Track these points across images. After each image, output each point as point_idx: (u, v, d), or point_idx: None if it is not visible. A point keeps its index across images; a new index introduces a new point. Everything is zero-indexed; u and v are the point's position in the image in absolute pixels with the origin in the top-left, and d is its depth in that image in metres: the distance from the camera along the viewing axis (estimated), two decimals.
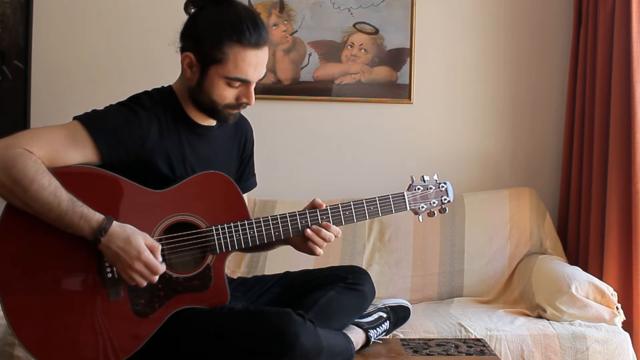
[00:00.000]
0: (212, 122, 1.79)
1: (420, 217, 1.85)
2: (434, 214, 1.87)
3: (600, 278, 2.43)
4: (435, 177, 1.87)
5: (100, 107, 1.67)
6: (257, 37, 1.62)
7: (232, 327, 1.62)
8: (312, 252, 1.76)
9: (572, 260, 2.69)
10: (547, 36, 2.99)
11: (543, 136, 3.01)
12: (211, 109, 1.70)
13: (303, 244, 1.77)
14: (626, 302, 2.41)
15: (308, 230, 1.72)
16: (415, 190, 1.84)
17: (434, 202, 1.85)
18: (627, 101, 2.49)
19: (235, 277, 2.03)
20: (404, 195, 1.82)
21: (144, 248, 1.53)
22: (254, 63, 1.64)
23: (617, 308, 2.26)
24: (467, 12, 2.98)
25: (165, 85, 1.77)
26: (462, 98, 2.99)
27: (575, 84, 2.83)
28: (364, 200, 1.78)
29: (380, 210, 1.79)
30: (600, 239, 2.59)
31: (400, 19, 2.93)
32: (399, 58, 2.94)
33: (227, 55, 1.61)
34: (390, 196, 1.80)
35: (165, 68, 2.70)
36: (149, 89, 1.74)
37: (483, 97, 3.00)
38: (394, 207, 1.80)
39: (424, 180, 1.86)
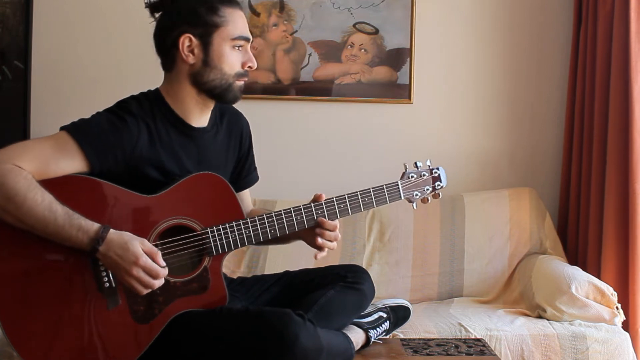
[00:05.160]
0: (204, 123, 1.78)
1: (414, 204, 1.84)
2: (428, 200, 1.86)
3: (599, 277, 2.43)
4: (428, 163, 1.86)
5: (101, 108, 1.66)
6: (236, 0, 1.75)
7: (231, 327, 1.61)
8: (319, 247, 1.75)
9: (572, 260, 2.69)
10: (547, 36, 2.99)
11: (543, 136, 3.01)
12: (222, 86, 1.70)
13: (311, 238, 1.76)
14: (623, 301, 2.41)
15: (323, 220, 1.73)
16: (408, 178, 1.83)
17: (427, 189, 1.84)
18: (624, 101, 2.49)
19: (235, 277, 2.02)
20: (397, 185, 1.81)
21: (141, 253, 1.52)
22: (245, 22, 1.74)
23: (617, 308, 2.26)
24: (467, 12, 2.98)
25: (152, 89, 1.75)
26: (462, 98, 2.99)
27: (575, 83, 2.82)
28: (358, 192, 1.77)
29: (375, 201, 1.78)
30: (599, 239, 2.59)
31: (400, 19, 2.92)
32: (399, 58, 2.94)
33: (226, 17, 1.69)
34: (384, 186, 1.80)
35: None
36: (135, 94, 1.73)
37: (483, 97, 3.00)
38: (389, 197, 1.80)
39: (417, 167, 1.85)
